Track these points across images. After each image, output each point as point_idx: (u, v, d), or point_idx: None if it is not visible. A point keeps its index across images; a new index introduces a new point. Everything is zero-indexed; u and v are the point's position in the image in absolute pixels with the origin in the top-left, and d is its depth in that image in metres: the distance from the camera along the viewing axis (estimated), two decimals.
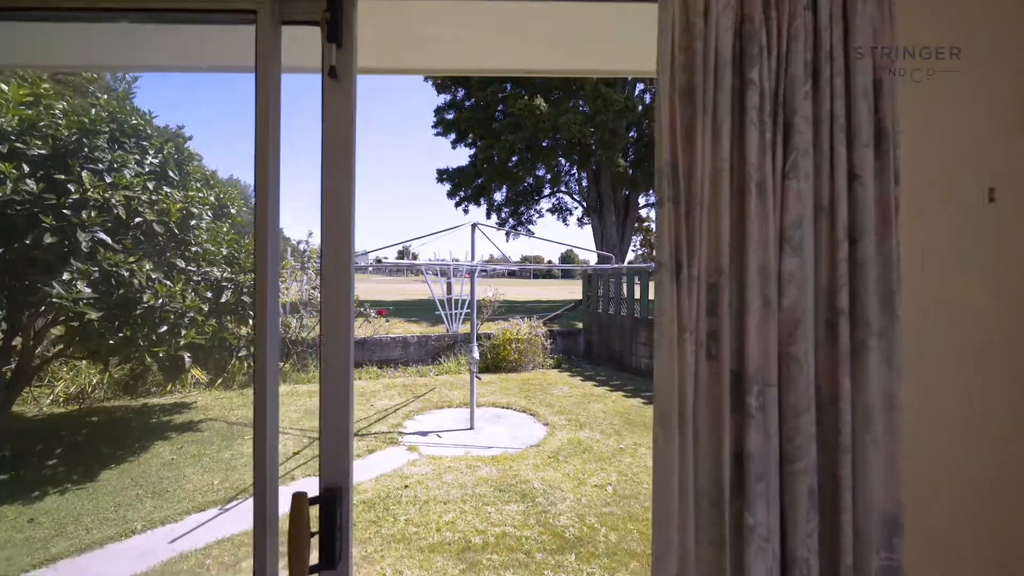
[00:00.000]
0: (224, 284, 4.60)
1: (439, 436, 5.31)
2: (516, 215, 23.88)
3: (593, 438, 5.26)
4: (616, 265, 9.29)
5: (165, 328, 3.89)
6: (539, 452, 4.82)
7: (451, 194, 21.90)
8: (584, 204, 22.74)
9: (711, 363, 0.88)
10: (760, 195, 0.87)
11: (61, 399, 6.24)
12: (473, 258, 5.45)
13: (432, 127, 19.20)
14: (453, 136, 19.84)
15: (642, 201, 22.56)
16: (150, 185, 3.96)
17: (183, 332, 4.00)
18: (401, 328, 10.08)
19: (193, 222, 4.20)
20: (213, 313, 4.58)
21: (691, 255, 0.87)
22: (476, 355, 5.56)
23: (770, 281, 0.87)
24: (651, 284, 8.51)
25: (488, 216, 23.92)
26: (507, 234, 25.35)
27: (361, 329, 8.72)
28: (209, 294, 4.41)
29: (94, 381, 6.30)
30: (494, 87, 16.51)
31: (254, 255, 1.53)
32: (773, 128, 0.88)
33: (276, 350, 1.00)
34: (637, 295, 8.92)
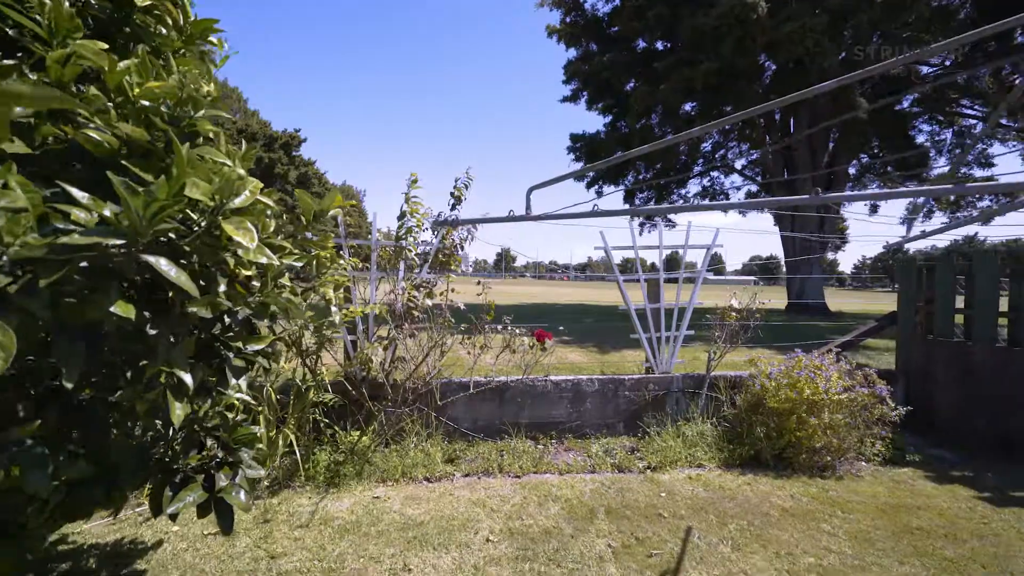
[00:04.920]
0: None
1: None
2: (660, 199, 19.01)
3: None
4: None
5: None
6: None
7: (578, 176, 17.65)
8: (761, 180, 17.12)
9: None
10: None
11: None
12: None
13: (562, 83, 15.00)
14: (586, 96, 15.51)
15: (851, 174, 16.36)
16: None
17: None
18: (552, 358, 5.97)
19: None
20: None
21: None
22: None
23: None
24: None
25: (629, 201, 19.23)
26: (640, 226, 20.55)
27: (500, 359, 4.71)
28: None
29: None
30: (658, 9, 11.70)
31: None
32: None
33: None
34: None
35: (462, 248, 4.84)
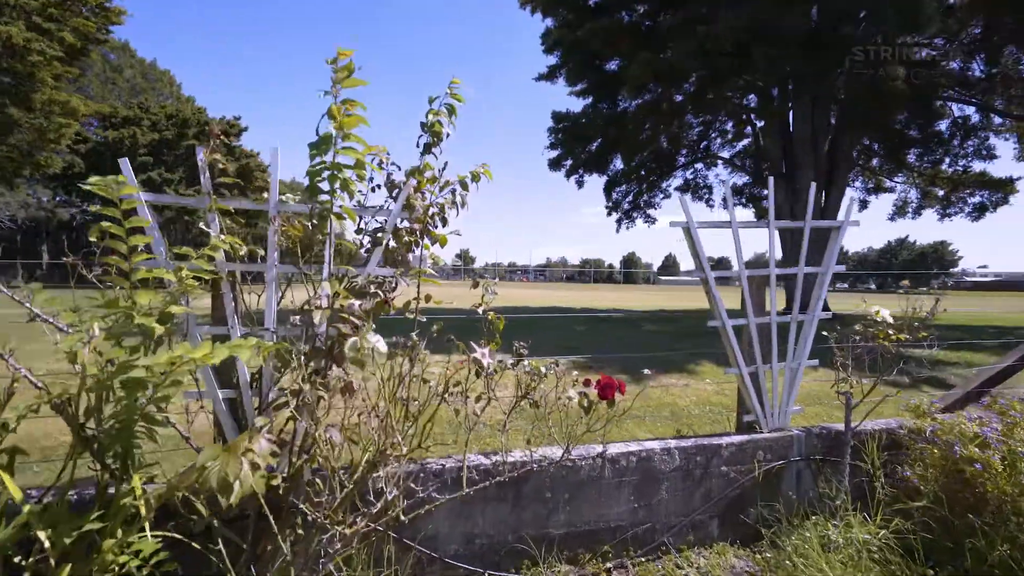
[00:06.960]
0: None
1: None
2: (641, 193, 17.44)
3: None
4: None
5: None
6: None
7: (555, 164, 15.74)
8: (752, 169, 15.77)
9: None
10: None
11: None
12: None
13: (543, 52, 12.90)
14: (565, 74, 13.59)
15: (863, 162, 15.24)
16: None
17: None
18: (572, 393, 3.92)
19: None
20: None
21: None
22: None
23: None
24: None
25: (608, 194, 17.46)
26: (618, 222, 18.77)
27: (512, 414, 2.65)
28: None
29: None
30: None
31: None
32: None
33: None
34: None
35: (443, 222, 2.73)
